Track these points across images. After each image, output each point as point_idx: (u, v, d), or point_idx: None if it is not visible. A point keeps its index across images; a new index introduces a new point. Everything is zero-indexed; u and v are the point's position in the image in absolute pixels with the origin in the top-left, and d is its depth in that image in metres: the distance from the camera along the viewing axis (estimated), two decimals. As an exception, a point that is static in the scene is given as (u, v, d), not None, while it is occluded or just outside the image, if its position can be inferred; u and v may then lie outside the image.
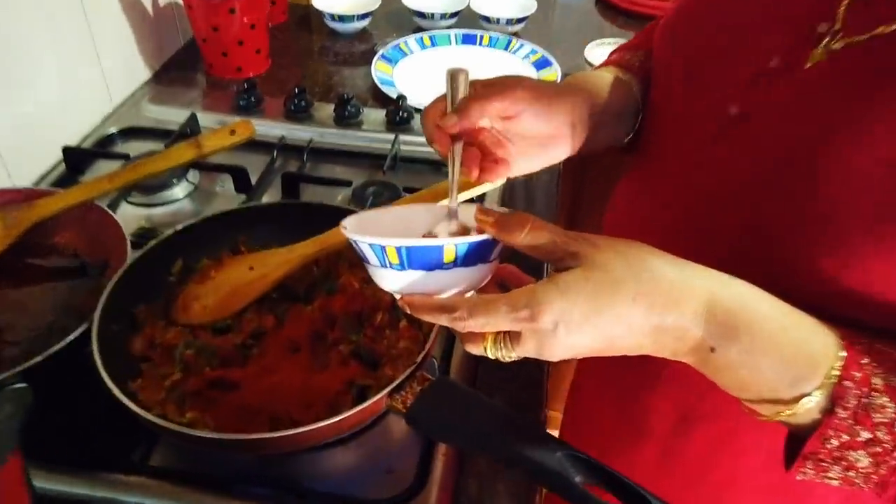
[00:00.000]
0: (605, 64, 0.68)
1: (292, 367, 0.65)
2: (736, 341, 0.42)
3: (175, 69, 1.31)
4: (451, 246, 0.44)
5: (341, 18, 1.38)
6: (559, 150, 0.57)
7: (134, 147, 1.08)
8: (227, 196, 1.00)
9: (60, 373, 0.65)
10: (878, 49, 0.43)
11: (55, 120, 1.03)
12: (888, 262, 0.42)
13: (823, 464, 0.42)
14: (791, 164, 0.46)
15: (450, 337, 0.76)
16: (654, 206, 0.60)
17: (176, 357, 0.65)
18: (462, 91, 0.51)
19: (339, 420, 0.56)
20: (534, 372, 0.77)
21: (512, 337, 0.45)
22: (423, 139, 1.07)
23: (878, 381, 0.41)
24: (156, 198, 0.98)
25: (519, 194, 1.03)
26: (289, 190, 0.97)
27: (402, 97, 1.13)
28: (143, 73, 1.25)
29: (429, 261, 0.45)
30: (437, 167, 1.04)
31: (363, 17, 1.38)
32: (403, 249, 0.44)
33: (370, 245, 0.45)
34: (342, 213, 0.77)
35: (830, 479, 0.43)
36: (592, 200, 1.41)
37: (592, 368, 0.78)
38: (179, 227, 0.74)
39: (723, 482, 0.63)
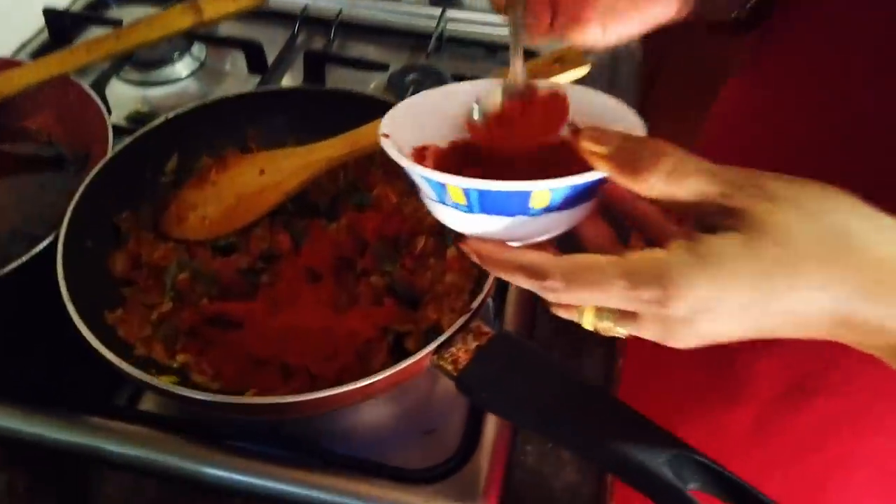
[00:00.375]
0: None
1: (311, 302, 0.51)
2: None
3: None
4: (544, 191, 0.30)
5: None
6: (660, 7, 0.46)
7: (131, 12, 0.91)
8: (238, 77, 0.84)
9: (26, 294, 0.52)
10: None
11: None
12: None
13: None
14: None
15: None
16: (756, 105, 0.50)
17: (166, 282, 0.52)
18: None
19: (370, 384, 0.42)
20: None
21: (626, 314, 0.31)
22: (475, 15, 0.89)
23: None
24: (154, 75, 0.82)
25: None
26: (312, 72, 0.80)
27: (450, -37, 0.93)
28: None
29: (510, 206, 0.31)
30: (492, 51, 0.86)
31: None
32: (474, 192, 0.29)
33: (423, 178, 0.31)
34: (378, 104, 0.61)
35: None
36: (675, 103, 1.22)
37: None
38: (174, 112, 0.59)
39: (831, 463, 0.54)
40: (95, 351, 0.44)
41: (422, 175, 0.31)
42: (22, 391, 0.53)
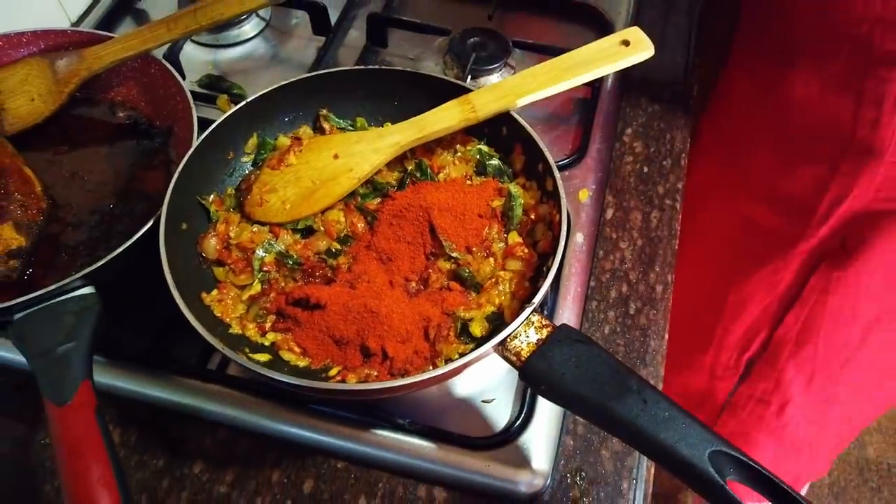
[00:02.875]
0: None
1: (385, 285, 0.56)
2: None
3: None
4: None
5: None
6: None
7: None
8: (302, 37, 0.85)
9: (130, 270, 0.57)
10: None
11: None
12: None
13: None
14: None
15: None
16: None
17: (254, 265, 0.57)
18: None
19: (441, 374, 0.48)
20: (656, 294, 0.66)
21: None
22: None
23: None
24: (222, 38, 0.84)
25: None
26: (374, 34, 0.82)
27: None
28: None
29: None
30: (560, 16, 0.86)
31: None
32: None
33: None
34: (444, 86, 0.63)
35: None
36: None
37: None
38: (252, 97, 0.62)
39: None
40: (198, 333, 0.49)
41: None
42: (129, 355, 0.60)
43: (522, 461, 0.56)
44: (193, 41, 0.83)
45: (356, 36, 0.85)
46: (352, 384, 0.50)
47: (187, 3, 0.78)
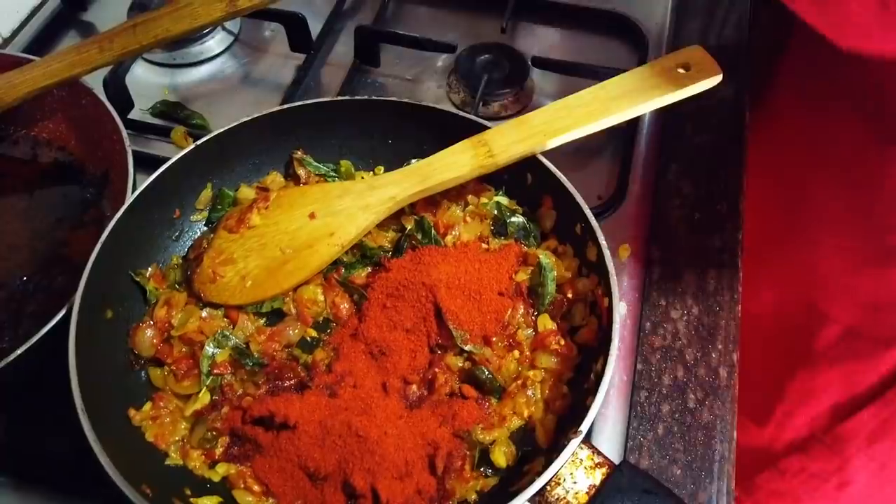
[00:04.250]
0: None
1: (377, 390, 0.42)
2: None
3: None
4: None
5: None
6: None
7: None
8: (279, 54, 0.72)
9: (37, 371, 0.43)
10: None
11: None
12: None
13: None
14: None
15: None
16: None
17: (202, 367, 0.43)
18: None
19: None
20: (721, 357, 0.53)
21: None
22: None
23: None
24: (182, 55, 0.71)
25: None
26: (364, 51, 0.68)
27: None
28: None
29: None
30: (585, 26, 0.72)
31: None
32: None
33: None
34: (455, 121, 0.49)
35: None
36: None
37: None
38: (206, 137, 0.48)
39: None
40: (114, 484, 0.35)
41: None
42: (43, 477, 0.46)
43: None
44: (146, 59, 0.70)
45: (343, 52, 0.71)
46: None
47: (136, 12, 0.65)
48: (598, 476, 0.35)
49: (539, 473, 0.34)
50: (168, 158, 0.47)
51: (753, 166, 0.71)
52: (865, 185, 0.64)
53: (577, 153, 0.64)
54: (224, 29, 0.72)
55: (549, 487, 0.35)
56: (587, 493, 0.35)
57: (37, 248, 0.51)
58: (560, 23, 0.74)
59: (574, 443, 0.35)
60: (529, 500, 0.35)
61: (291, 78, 0.68)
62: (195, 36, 0.70)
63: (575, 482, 0.35)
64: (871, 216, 0.65)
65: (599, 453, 0.36)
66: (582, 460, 0.36)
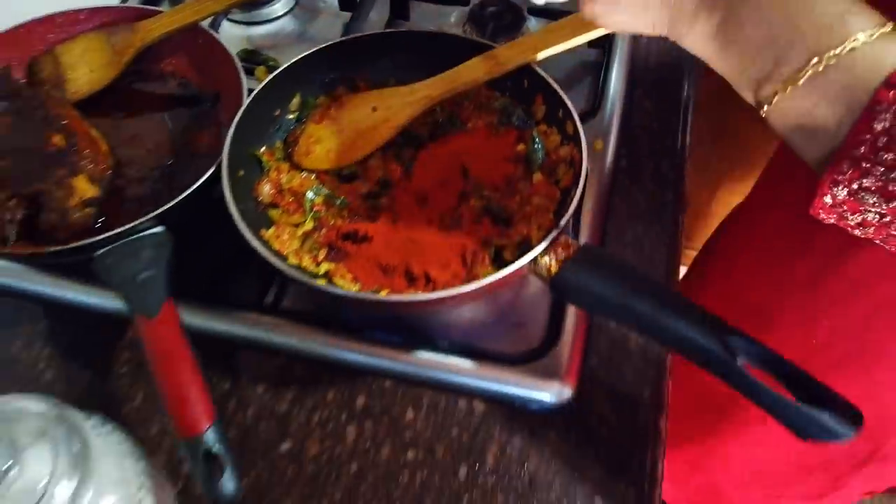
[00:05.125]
0: None
1: (423, 221, 0.62)
2: None
3: None
4: None
5: None
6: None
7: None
8: (329, 13, 0.92)
9: (193, 215, 0.64)
10: None
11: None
12: None
13: (863, 162, 0.34)
14: None
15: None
16: None
17: (305, 206, 0.63)
18: None
19: (478, 288, 0.54)
20: (668, 228, 0.73)
21: None
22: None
23: None
24: (255, 15, 0.91)
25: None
26: (397, 8, 0.88)
27: None
28: None
29: None
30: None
31: None
32: None
33: None
34: (467, 44, 0.70)
35: (864, 200, 0.35)
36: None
37: (770, 194, 0.77)
38: (294, 59, 0.68)
39: (878, 304, 0.61)
40: (262, 258, 0.56)
41: None
42: (193, 295, 0.66)
43: (552, 374, 0.62)
44: (229, 19, 0.90)
45: (380, 9, 0.91)
46: (401, 296, 0.56)
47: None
48: (570, 250, 0.55)
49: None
50: (253, 90, 0.67)
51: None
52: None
53: (567, 80, 0.84)
54: (287, -5, 0.93)
55: (539, 257, 0.55)
56: (563, 258, 0.55)
57: (175, 144, 0.71)
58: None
59: (555, 231, 0.55)
60: (527, 265, 0.55)
61: (340, 33, 0.89)
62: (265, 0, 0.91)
63: (556, 254, 0.55)
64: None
65: (571, 240, 0.56)
66: (560, 242, 0.55)
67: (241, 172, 0.63)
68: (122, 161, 0.70)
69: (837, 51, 0.35)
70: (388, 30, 0.80)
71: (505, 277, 0.54)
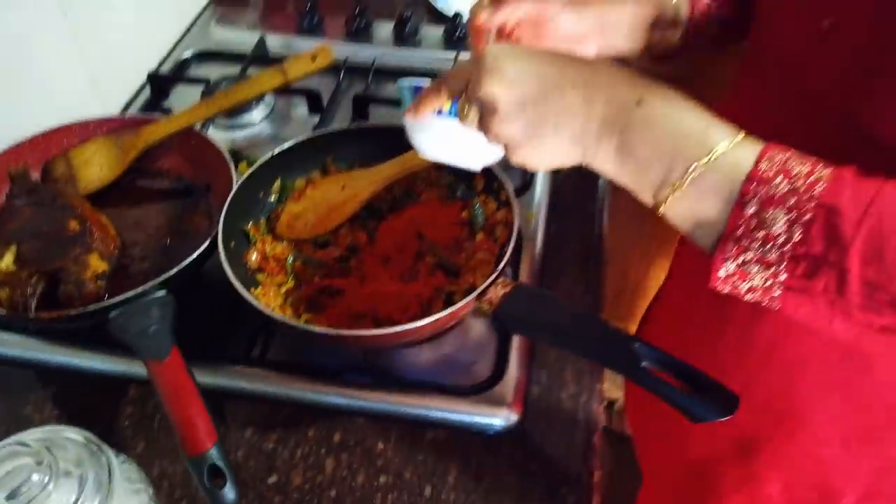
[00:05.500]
0: None
1: (387, 277, 0.75)
2: (663, 93, 0.47)
3: (233, -11, 1.35)
4: None
5: None
6: (586, 49, 0.65)
7: (210, 70, 1.14)
8: (300, 119, 1.07)
9: (189, 282, 0.75)
10: None
11: (135, 47, 1.10)
12: None
13: (743, 240, 0.44)
14: (877, 61, 0.50)
15: (516, 250, 0.85)
16: (762, 108, 0.64)
17: (287, 268, 0.76)
18: None
19: (436, 320, 0.65)
20: (592, 274, 0.86)
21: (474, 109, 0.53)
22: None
23: (794, 154, 0.44)
24: (237, 121, 1.05)
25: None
26: (359, 110, 1.04)
27: (458, 14, 1.17)
28: (205, -5, 1.30)
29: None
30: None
31: None
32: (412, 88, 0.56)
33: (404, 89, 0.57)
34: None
35: (750, 270, 0.44)
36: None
37: (683, 270, 0.86)
38: (276, 150, 0.83)
39: (792, 361, 0.68)
40: (253, 308, 0.67)
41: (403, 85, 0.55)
42: (192, 351, 0.76)
43: (500, 403, 0.73)
44: (214, 125, 1.04)
45: (343, 113, 1.07)
46: (369, 331, 0.67)
47: (206, 97, 0.99)
48: (509, 288, 0.67)
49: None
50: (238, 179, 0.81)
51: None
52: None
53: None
54: (264, 104, 1.08)
55: (484, 293, 0.67)
56: (503, 295, 0.67)
57: (172, 228, 0.84)
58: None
59: (494, 275, 0.68)
60: (474, 299, 0.67)
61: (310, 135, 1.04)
62: (246, 109, 1.06)
63: (497, 291, 0.67)
64: (860, 384, 0.65)
65: (508, 280, 0.69)
66: (500, 282, 0.68)
67: (233, 244, 0.76)
68: (126, 243, 0.82)
69: (707, 159, 0.44)
70: (352, 125, 0.96)
71: (454, 312, 0.66)
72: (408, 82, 0.58)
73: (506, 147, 0.52)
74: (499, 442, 0.72)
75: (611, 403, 1.66)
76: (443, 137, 0.60)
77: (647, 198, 0.49)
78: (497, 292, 0.67)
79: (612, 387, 1.58)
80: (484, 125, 0.52)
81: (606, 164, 0.49)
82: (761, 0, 0.65)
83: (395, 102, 1.04)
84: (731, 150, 0.45)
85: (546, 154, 0.51)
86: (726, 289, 0.47)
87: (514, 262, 0.83)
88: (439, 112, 0.59)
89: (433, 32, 1.19)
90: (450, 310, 0.65)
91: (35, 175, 0.86)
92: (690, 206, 0.46)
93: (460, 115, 0.53)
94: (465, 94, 0.52)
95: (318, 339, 0.68)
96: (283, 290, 0.74)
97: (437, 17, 1.24)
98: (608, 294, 0.89)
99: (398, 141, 0.84)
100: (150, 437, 0.72)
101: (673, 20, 0.68)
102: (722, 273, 0.46)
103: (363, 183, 0.80)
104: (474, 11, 0.61)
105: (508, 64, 0.49)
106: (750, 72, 0.69)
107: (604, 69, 0.49)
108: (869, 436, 0.67)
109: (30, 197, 0.81)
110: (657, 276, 1.46)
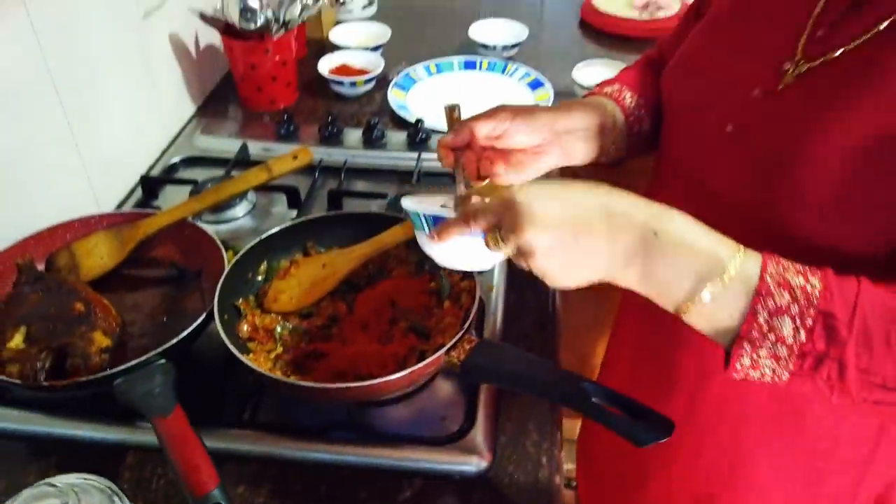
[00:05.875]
0: (590, 94, 0.86)
1: (366, 340, 0.84)
2: (673, 221, 0.54)
3: (214, 103, 1.50)
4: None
5: (352, 84, 1.47)
6: (548, 159, 0.75)
7: (197, 173, 1.26)
8: (280, 213, 1.18)
9: (183, 355, 0.83)
10: (828, 69, 0.60)
11: (127, 153, 1.22)
12: (853, 224, 0.57)
13: (756, 342, 0.51)
14: (776, 163, 0.60)
15: (480, 314, 0.95)
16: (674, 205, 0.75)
17: (275, 336, 0.84)
18: (457, 118, 0.72)
19: (410, 372, 0.75)
20: (548, 339, 0.96)
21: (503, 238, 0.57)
22: (442, 156, 1.28)
23: (788, 265, 0.52)
24: (222, 216, 1.16)
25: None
26: (334, 203, 1.16)
27: (420, 120, 1.32)
28: (190, 108, 1.44)
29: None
30: (452, 178, 1.23)
31: (368, 81, 1.48)
32: (430, 218, 0.64)
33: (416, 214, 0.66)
34: (388, 219, 0.96)
35: (762, 363, 0.51)
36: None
37: (628, 336, 0.94)
38: (262, 236, 0.93)
39: (738, 416, 0.76)
40: (247, 367, 0.75)
41: (412, 210, 0.65)
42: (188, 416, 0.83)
43: (471, 451, 0.81)
44: (201, 220, 1.15)
45: (319, 207, 1.19)
46: (352, 384, 0.75)
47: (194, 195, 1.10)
48: (474, 343, 0.77)
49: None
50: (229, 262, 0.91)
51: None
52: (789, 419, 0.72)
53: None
54: (247, 200, 1.19)
55: (451, 349, 0.77)
56: (469, 349, 0.77)
57: (168, 308, 0.92)
58: (442, 179, 1.26)
59: (462, 332, 0.78)
60: (443, 354, 0.76)
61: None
62: (230, 205, 1.17)
63: (463, 347, 0.77)
64: (796, 432, 0.72)
65: (473, 336, 0.79)
66: (465, 340, 0.78)
67: (226, 317, 0.84)
68: (126, 322, 0.90)
69: (722, 281, 0.51)
70: (330, 212, 1.08)
71: (427, 365, 0.75)
72: (413, 206, 0.66)
73: (536, 273, 0.57)
74: (472, 487, 0.79)
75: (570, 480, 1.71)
76: (459, 252, 0.66)
77: (668, 308, 0.55)
78: (463, 347, 0.77)
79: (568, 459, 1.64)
80: (517, 259, 0.57)
81: (631, 284, 0.55)
82: (667, 108, 0.79)
83: (366, 195, 1.17)
84: (737, 267, 0.51)
85: (574, 279, 0.56)
86: (739, 377, 0.54)
87: (479, 325, 0.94)
88: None
89: (397, 137, 1.34)
90: (423, 363, 0.75)
91: (40, 266, 0.94)
92: (709, 317, 0.53)
93: (490, 246, 0.58)
94: (497, 233, 0.57)
95: (305, 395, 0.76)
96: (273, 355, 0.83)
97: (400, 123, 1.39)
98: (562, 360, 0.99)
99: (371, 225, 0.97)
100: (148, 498, 0.78)
101: (613, 126, 0.80)
102: (738, 366, 0.53)
103: (341, 261, 0.91)
104: (440, 141, 0.73)
105: (540, 210, 0.54)
106: (659, 173, 0.81)
107: (618, 199, 0.55)
108: (808, 480, 0.75)
109: (36, 285, 0.89)
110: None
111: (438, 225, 0.64)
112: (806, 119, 0.60)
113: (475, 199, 0.62)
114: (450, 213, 0.63)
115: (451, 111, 0.75)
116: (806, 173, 0.58)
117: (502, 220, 0.56)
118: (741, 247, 0.54)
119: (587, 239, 0.54)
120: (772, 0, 0.69)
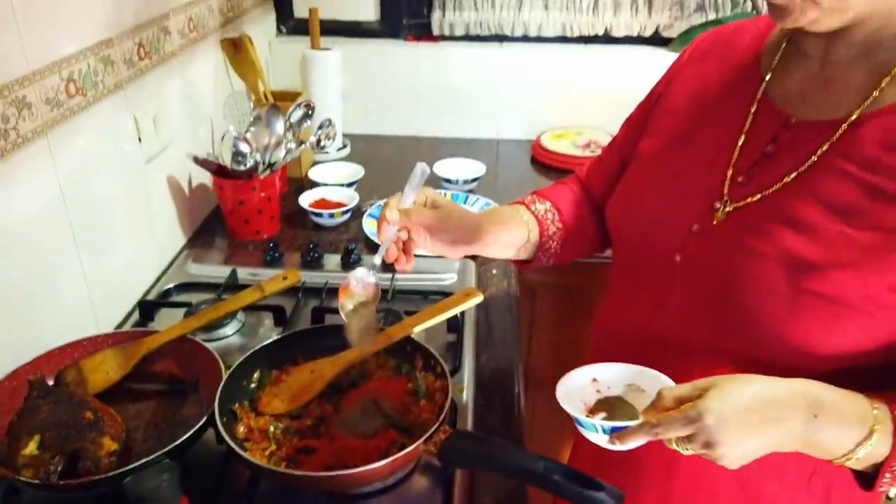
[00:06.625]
0: (522, 202, 1.05)
1: (351, 436, 0.94)
2: (824, 404, 0.67)
3: (203, 235, 1.64)
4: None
5: (331, 215, 1.65)
6: (461, 249, 0.92)
7: (189, 297, 1.38)
8: (267, 331, 1.30)
9: (183, 455, 0.91)
10: (751, 209, 0.76)
11: (126, 280, 1.34)
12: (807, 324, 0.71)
13: (894, 471, 0.68)
14: (722, 285, 0.76)
15: (452, 409, 1.06)
16: (635, 326, 0.86)
17: (269, 435, 0.93)
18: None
19: (393, 460, 0.84)
20: (514, 431, 1.07)
21: (690, 441, 0.67)
22: (414, 276, 1.42)
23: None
24: (213, 335, 1.26)
25: (484, 315, 1.37)
26: (317, 319, 1.28)
27: (392, 245, 1.48)
28: (181, 239, 1.58)
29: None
30: (424, 296, 1.38)
31: (345, 212, 1.66)
32: (608, 427, 0.73)
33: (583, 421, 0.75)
34: (369, 330, 1.09)
35: None
36: (547, 319, 1.75)
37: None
38: (255, 348, 1.04)
39: (708, 500, 0.88)
40: (245, 460, 0.84)
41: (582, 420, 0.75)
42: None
43: (450, 535, 0.89)
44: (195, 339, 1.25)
45: (304, 323, 1.30)
46: (340, 472, 0.84)
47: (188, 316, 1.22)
48: (449, 432, 0.88)
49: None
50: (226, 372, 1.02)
51: None
52: None
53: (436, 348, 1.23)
54: (237, 320, 1.30)
55: (429, 438, 0.87)
56: (445, 438, 0.87)
57: (168, 416, 1.01)
58: (414, 296, 1.39)
59: (437, 424, 0.89)
60: (423, 443, 0.86)
61: (276, 340, 1.26)
62: (221, 324, 1.27)
63: (439, 438, 0.87)
64: None
65: (448, 428, 0.89)
66: (441, 431, 0.88)
67: (224, 419, 0.94)
68: (130, 429, 0.98)
69: (870, 441, 0.66)
70: (315, 326, 1.19)
71: (408, 454, 0.85)
72: (577, 412, 0.76)
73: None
74: (450, 569, 0.87)
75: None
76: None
77: (829, 461, 0.70)
78: (440, 437, 0.87)
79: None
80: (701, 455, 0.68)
81: (800, 450, 0.69)
82: (617, 239, 0.93)
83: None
84: (882, 419, 0.67)
85: (745, 462, 0.68)
86: (881, 490, 0.70)
87: (452, 421, 1.04)
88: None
89: (372, 260, 1.49)
90: (404, 451, 0.85)
91: (50, 382, 1.03)
92: (861, 462, 0.69)
93: (673, 447, 0.69)
94: (684, 440, 0.67)
95: (297, 484, 0.84)
96: (267, 452, 0.91)
97: (374, 247, 1.54)
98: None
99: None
100: (149, 591, 0.83)
101: (526, 244, 0.99)
102: (882, 484, 0.69)
103: (327, 367, 1.02)
104: (382, 215, 0.87)
105: (725, 428, 0.64)
106: (618, 295, 0.95)
107: (776, 389, 0.67)
108: None
109: (48, 397, 0.98)
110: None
111: (620, 432, 0.71)
112: (742, 247, 0.75)
113: (660, 412, 0.69)
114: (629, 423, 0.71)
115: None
116: (751, 295, 0.73)
117: (693, 438, 0.66)
118: (871, 398, 0.68)
119: (760, 438, 0.66)
120: (697, 147, 0.86)
